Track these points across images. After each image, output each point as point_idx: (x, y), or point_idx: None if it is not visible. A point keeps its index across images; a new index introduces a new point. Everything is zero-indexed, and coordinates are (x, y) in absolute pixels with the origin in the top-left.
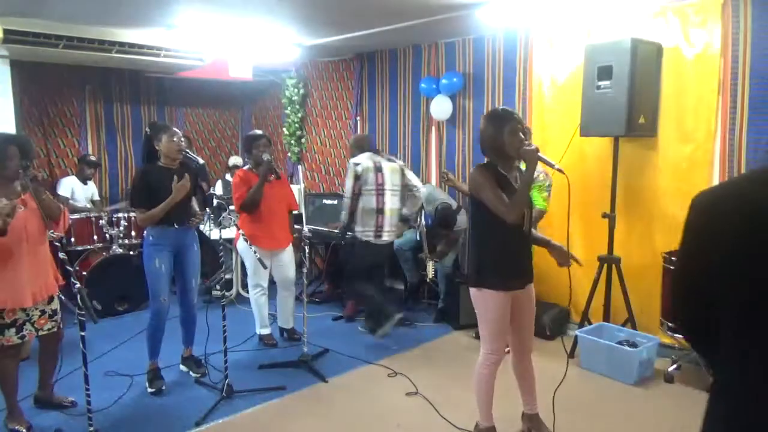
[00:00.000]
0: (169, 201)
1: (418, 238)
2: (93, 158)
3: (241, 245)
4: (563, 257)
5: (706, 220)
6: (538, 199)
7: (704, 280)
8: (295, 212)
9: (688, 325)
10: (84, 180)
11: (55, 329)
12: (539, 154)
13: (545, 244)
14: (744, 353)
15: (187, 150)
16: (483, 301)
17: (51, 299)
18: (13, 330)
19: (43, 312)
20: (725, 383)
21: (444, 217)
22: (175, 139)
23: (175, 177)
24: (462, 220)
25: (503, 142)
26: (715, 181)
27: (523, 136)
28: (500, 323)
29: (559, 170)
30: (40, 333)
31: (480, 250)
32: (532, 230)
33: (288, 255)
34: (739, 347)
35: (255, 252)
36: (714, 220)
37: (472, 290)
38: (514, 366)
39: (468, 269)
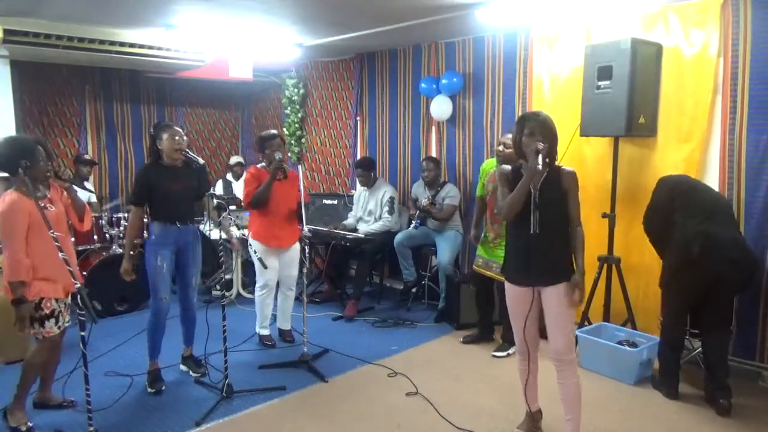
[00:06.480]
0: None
1: (416, 222)
2: (87, 156)
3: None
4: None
5: (660, 187)
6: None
7: (658, 210)
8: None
9: (653, 232)
10: (81, 181)
11: (69, 323)
12: (537, 164)
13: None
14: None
15: (188, 150)
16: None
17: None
18: (52, 321)
19: (66, 304)
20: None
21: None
22: (176, 138)
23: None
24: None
25: (520, 143)
26: (715, 181)
27: (537, 140)
28: (514, 315)
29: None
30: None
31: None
32: (580, 255)
33: (294, 253)
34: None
35: (255, 252)
36: (662, 187)
37: None
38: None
39: None
